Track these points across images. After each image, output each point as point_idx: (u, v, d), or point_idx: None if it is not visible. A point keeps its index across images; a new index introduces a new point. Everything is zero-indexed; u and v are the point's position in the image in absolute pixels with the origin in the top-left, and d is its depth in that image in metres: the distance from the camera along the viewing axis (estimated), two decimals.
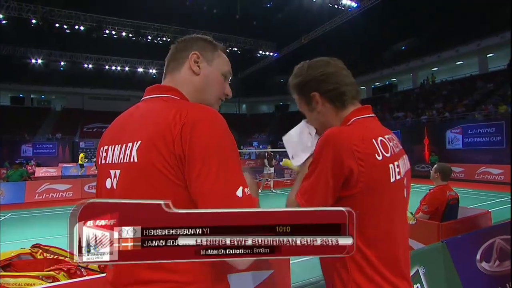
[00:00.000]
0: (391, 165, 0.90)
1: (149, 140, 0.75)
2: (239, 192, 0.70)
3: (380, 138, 0.91)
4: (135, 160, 0.75)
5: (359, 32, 25.56)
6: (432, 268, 2.25)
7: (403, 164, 0.98)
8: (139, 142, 0.76)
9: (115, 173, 0.81)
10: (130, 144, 0.78)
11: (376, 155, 0.86)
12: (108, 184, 0.83)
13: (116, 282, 0.79)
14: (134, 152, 0.76)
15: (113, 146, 0.84)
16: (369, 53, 29.51)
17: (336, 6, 21.00)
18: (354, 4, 20.69)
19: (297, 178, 1.03)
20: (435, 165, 3.52)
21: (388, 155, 0.90)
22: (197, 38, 0.96)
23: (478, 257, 2.52)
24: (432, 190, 3.40)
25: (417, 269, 2.18)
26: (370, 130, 0.92)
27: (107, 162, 0.85)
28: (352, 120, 0.97)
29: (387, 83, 30.40)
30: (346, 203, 0.85)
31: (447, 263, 2.33)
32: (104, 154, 0.87)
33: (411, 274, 2.16)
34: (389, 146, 0.92)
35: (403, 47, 28.72)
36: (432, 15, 24.80)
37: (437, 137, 18.10)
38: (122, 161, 0.79)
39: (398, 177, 0.92)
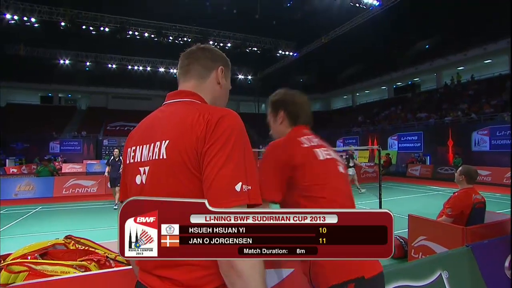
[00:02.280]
0: (315, 149, 1.27)
1: (176, 138, 0.82)
2: (237, 187, 0.75)
3: (305, 136, 1.32)
4: (164, 157, 0.83)
5: (381, 31, 24.93)
6: (456, 273, 2.19)
7: (334, 154, 1.35)
8: (167, 141, 0.84)
9: (144, 169, 0.88)
10: (158, 143, 0.86)
11: (301, 144, 1.26)
12: (138, 180, 0.91)
13: (145, 266, 0.86)
14: (163, 150, 0.83)
15: (141, 146, 0.92)
16: (391, 52, 28.71)
17: (357, 5, 20.58)
18: (376, 3, 20.22)
19: None
20: (460, 168, 3.42)
21: (313, 143, 1.30)
22: (222, 54, 1.10)
23: (506, 264, 2.43)
24: (456, 193, 3.31)
25: (440, 273, 2.13)
26: (297, 134, 1.34)
27: (135, 161, 0.93)
28: (291, 132, 1.40)
29: (409, 82, 29.48)
30: (295, 179, 1.20)
31: (473, 268, 2.26)
32: (132, 154, 0.95)
33: (433, 279, 2.13)
34: (313, 140, 1.32)
35: (426, 46, 27.76)
36: (458, 11, 23.81)
37: (462, 138, 17.42)
38: (151, 158, 0.87)
39: (327, 156, 1.28)
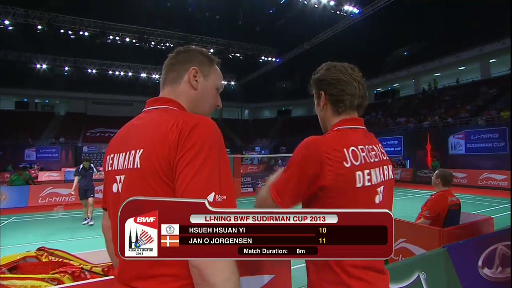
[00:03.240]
0: (358, 172, 1.00)
1: (150, 147, 0.81)
2: (210, 197, 0.73)
3: (352, 148, 1.02)
4: (138, 166, 0.82)
5: (362, 38, 25.66)
6: (433, 274, 2.25)
7: (380, 173, 1.09)
8: (141, 150, 0.83)
9: (120, 178, 0.88)
10: (133, 152, 0.85)
11: (344, 162, 0.98)
12: (114, 188, 0.90)
13: (122, 278, 0.85)
14: (137, 159, 0.83)
15: (118, 154, 0.91)
16: (371, 59, 29.58)
17: (338, 12, 21.09)
18: (356, 10, 20.78)
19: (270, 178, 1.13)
20: (436, 171, 3.53)
21: (357, 163, 1.01)
22: (196, 52, 1.02)
23: (480, 263, 2.52)
24: (433, 196, 3.41)
25: (418, 274, 2.18)
26: (345, 140, 1.04)
27: (113, 168, 0.92)
28: (336, 128, 1.11)
29: (389, 88, 30.41)
30: (316, 200, 1.00)
31: (449, 269, 2.32)
32: (111, 161, 0.94)
33: (411, 280, 2.18)
34: (359, 156, 1.03)
35: (405, 53, 28.77)
36: (433, 21, 24.89)
37: (440, 142, 18.06)
38: (126, 167, 0.86)
39: (367, 183, 1.02)
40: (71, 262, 1.86)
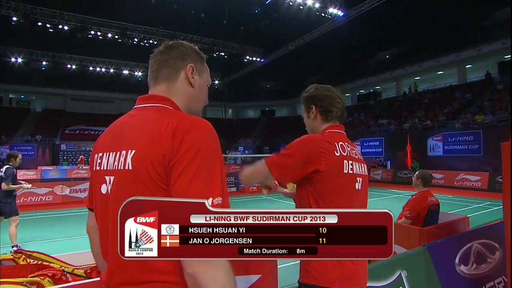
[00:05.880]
0: (345, 161, 1.28)
1: (143, 149, 0.78)
2: (208, 202, 0.71)
3: (340, 143, 1.31)
4: (130, 168, 0.79)
5: (345, 40, 26.09)
6: (414, 271, 2.32)
7: (360, 167, 1.36)
8: (133, 151, 0.79)
9: (109, 179, 0.84)
10: (124, 152, 0.81)
11: (335, 152, 1.26)
12: (103, 189, 0.86)
13: (110, 283, 0.82)
14: (128, 160, 0.79)
15: (108, 153, 0.87)
16: (355, 61, 30.15)
17: (323, 14, 21.35)
18: (340, 13, 21.10)
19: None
20: (417, 172, 3.64)
21: (344, 154, 1.29)
22: (189, 48, 1.00)
23: (457, 260, 2.61)
24: (414, 196, 3.51)
25: (400, 272, 2.24)
26: (335, 138, 1.33)
27: (102, 168, 0.88)
28: (327, 131, 1.40)
29: (371, 90, 31.06)
30: (314, 181, 1.24)
31: (428, 266, 2.40)
32: (99, 160, 0.90)
33: (393, 278, 2.24)
34: (346, 149, 1.31)
35: (387, 56, 29.48)
36: (415, 26, 25.68)
37: (419, 144, 18.61)
38: (116, 168, 0.82)
39: (350, 171, 1.29)
40: (51, 264, 1.80)
